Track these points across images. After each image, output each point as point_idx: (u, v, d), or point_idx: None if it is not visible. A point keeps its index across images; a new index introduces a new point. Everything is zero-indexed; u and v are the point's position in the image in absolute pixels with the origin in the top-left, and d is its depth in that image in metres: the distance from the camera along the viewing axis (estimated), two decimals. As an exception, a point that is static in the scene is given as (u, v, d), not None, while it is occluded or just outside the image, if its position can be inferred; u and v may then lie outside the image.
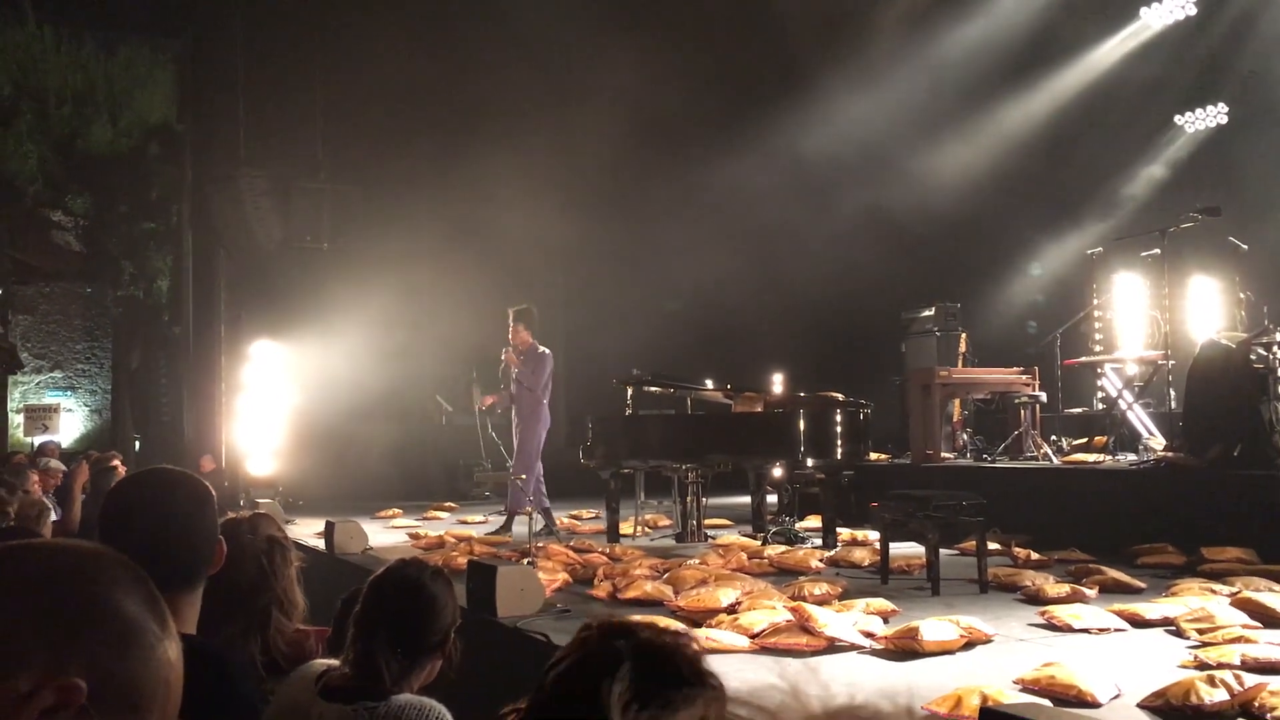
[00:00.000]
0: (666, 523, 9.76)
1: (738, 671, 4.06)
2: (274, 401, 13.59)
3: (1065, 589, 5.67)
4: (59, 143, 20.49)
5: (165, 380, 18.98)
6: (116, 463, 8.70)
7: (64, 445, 16.48)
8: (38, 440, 17.09)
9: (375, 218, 14.30)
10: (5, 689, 0.89)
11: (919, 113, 13.54)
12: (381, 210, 14.16)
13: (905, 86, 13.45)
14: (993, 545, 6.87)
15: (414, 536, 9.11)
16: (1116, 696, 3.77)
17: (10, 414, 19.19)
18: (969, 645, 4.63)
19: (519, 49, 12.85)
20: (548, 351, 9.55)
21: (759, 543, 7.92)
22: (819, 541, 8.00)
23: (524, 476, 9.30)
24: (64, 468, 9.59)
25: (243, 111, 14.02)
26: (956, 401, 10.74)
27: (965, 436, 10.66)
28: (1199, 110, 13.47)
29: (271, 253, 14.24)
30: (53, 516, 7.62)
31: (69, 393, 19.77)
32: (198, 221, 15.81)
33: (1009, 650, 4.63)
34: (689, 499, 8.73)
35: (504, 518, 9.66)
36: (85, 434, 19.41)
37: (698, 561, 6.81)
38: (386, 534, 9.57)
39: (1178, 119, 13.62)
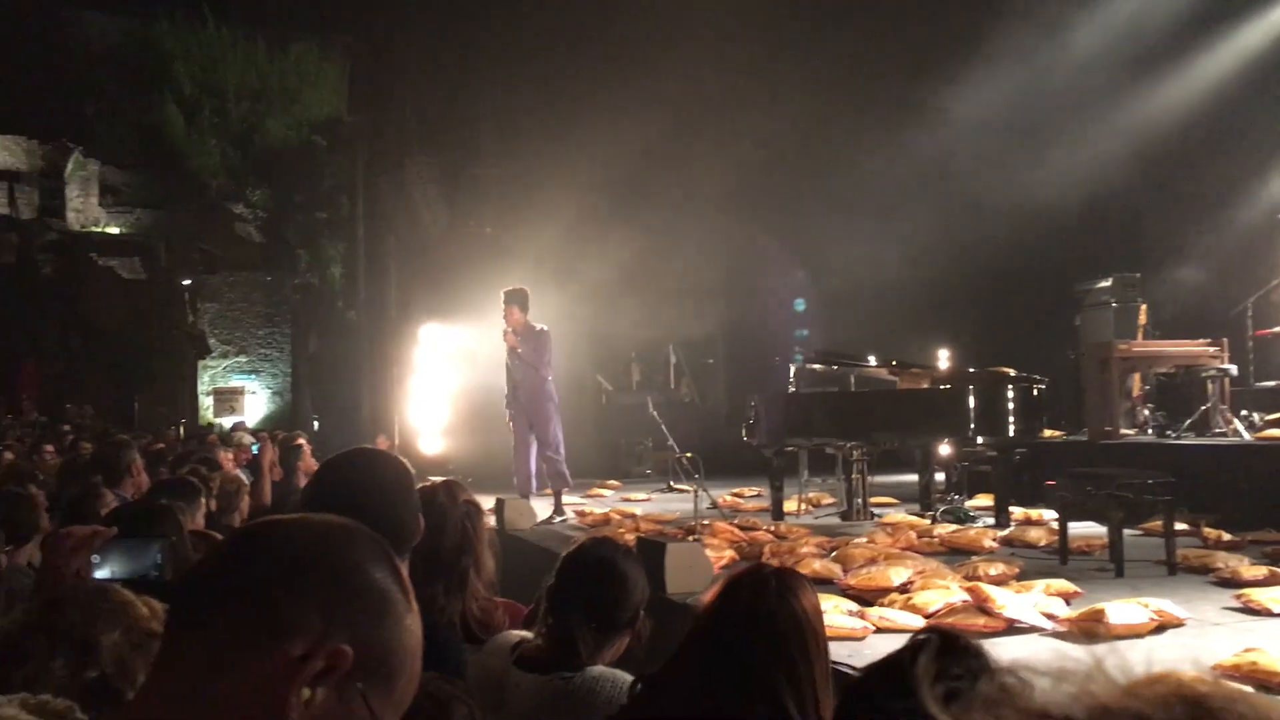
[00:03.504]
0: (830, 501, 9.64)
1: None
2: (442, 382, 14.03)
3: (1262, 571, 5.38)
4: (237, 138, 21.65)
5: (341, 362, 19.83)
6: (302, 441, 9.15)
7: (250, 426, 17.41)
8: (227, 422, 18.14)
9: (537, 203, 14.54)
10: (282, 653, 0.95)
11: (1092, 78, 12.95)
12: (544, 196, 14.39)
13: (1079, 50, 12.89)
14: (1179, 526, 6.56)
15: (580, 514, 9.29)
16: (1326, 686, 3.56)
17: (201, 396, 20.44)
18: (1159, 629, 4.44)
19: (682, 39, 12.85)
20: (546, 328, 9.37)
21: (927, 521, 7.78)
22: (990, 521, 7.80)
23: (558, 455, 9.20)
24: (253, 439, 10.13)
25: (411, 102, 14.46)
26: (1136, 376, 10.27)
27: (1146, 412, 10.19)
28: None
29: (438, 237, 14.67)
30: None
31: (253, 376, 20.90)
32: (368, 209, 16.43)
33: (1203, 635, 4.42)
34: (854, 477, 8.60)
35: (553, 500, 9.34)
36: (269, 415, 20.48)
37: (865, 540, 6.71)
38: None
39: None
